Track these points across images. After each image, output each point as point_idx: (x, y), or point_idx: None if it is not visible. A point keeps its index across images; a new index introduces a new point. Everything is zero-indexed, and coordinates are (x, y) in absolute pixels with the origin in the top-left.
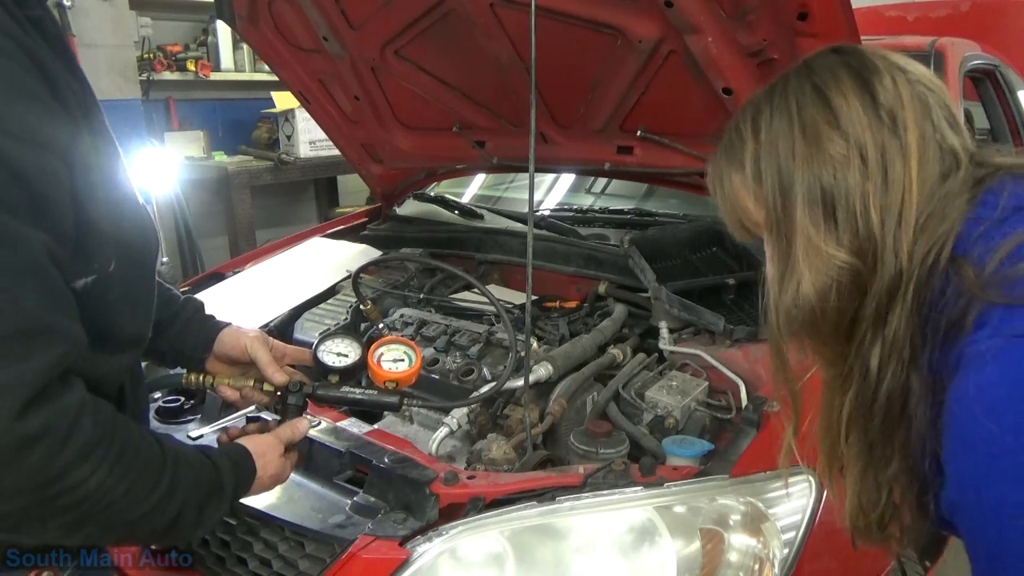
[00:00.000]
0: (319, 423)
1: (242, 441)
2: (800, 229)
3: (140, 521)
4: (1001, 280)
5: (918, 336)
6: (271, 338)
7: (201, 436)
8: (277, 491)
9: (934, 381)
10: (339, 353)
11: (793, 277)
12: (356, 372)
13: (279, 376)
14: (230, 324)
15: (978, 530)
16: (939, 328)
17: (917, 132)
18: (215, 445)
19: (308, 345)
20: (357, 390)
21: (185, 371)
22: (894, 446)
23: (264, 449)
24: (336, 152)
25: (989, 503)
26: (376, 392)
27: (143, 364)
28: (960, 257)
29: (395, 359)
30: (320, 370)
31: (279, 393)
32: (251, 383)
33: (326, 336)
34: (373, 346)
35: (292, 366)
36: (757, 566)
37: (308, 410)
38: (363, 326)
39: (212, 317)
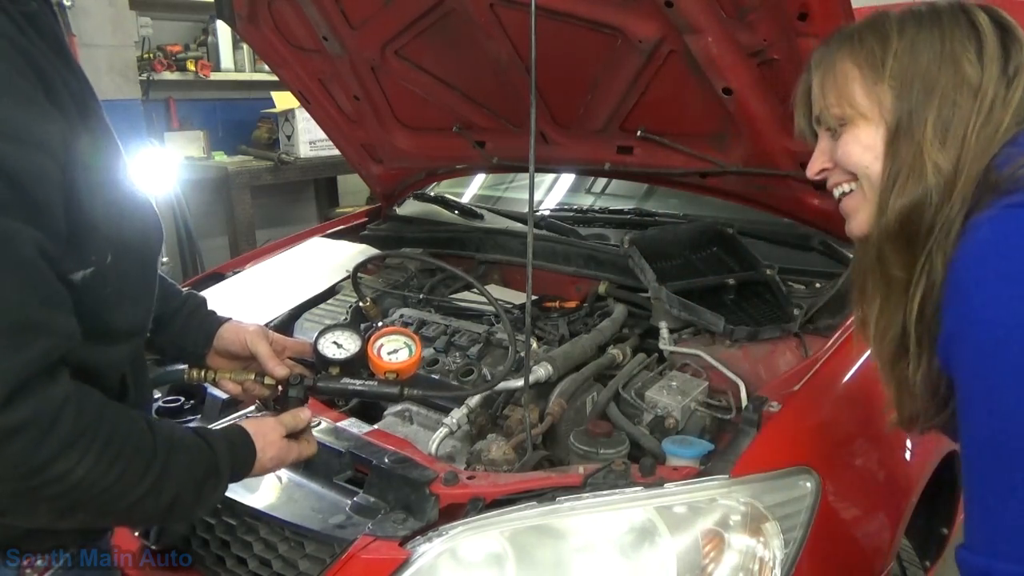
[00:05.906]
0: (319, 423)
1: (242, 423)
2: (924, 138)
3: (134, 507)
4: (1008, 178)
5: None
6: (271, 332)
7: None
8: (277, 491)
9: None
10: (339, 345)
11: (909, 179)
12: (356, 364)
13: (280, 369)
14: (230, 319)
15: (970, 360)
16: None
17: (1020, 94)
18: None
19: None
20: (357, 381)
21: (186, 367)
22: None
23: (265, 431)
24: (336, 152)
25: (983, 335)
26: (376, 383)
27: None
28: (992, 168)
29: (395, 349)
30: (320, 362)
31: (280, 386)
32: (252, 377)
33: (326, 328)
34: (373, 337)
35: (293, 359)
36: (757, 566)
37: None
38: (363, 326)
39: (213, 312)
